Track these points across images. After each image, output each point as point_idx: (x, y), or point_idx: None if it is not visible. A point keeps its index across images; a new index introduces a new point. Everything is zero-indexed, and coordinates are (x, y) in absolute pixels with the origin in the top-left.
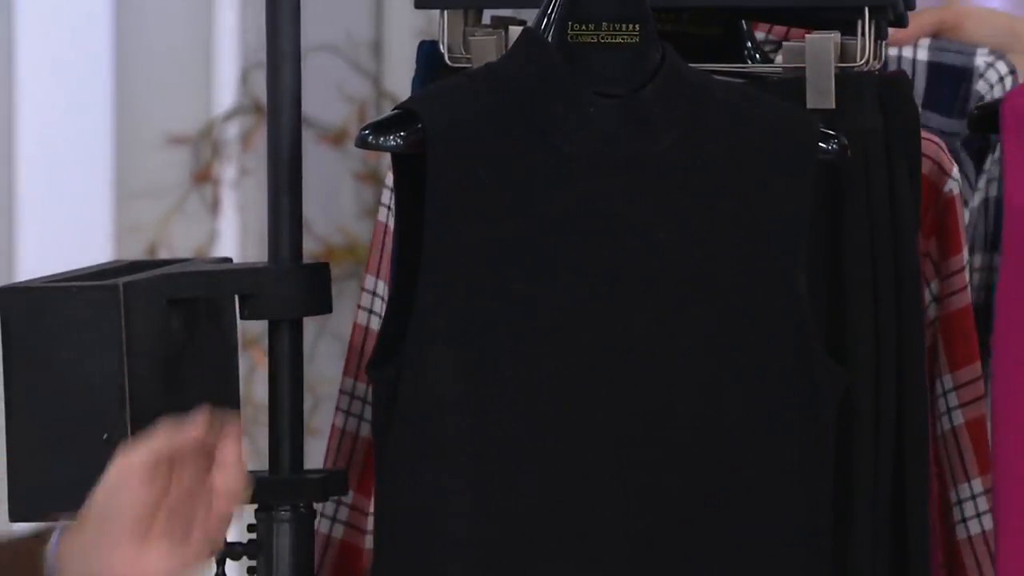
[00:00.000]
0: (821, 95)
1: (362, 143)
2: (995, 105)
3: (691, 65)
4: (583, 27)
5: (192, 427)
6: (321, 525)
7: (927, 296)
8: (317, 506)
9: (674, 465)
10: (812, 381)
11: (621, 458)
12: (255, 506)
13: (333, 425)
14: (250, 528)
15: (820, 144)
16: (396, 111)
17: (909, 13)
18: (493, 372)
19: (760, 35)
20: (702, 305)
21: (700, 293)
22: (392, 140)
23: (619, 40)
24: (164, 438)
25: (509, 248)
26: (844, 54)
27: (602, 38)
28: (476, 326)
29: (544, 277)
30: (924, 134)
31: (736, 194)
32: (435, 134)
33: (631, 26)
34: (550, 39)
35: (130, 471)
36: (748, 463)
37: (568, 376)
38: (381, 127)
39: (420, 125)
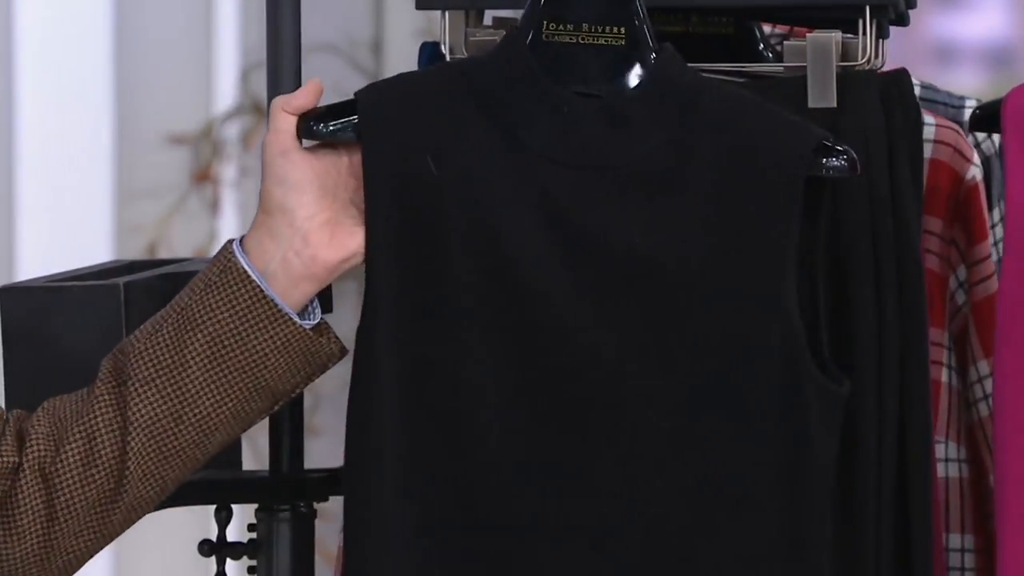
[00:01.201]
0: (822, 94)
1: (306, 132)
2: (996, 105)
3: (690, 64)
4: (560, 27)
5: (304, 94)
6: None
7: (954, 283)
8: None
9: (645, 485)
10: (800, 400)
11: (581, 467)
12: (255, 506)
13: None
14: (250, 528)
15: (823, 159)
16: (344, 100)
17: None
18: (442, 376)
19: (766, 29)
20: (676, 314)
21: (674, 300)
22: (328, 128)
23: (602, 41)
24: (281, 110)
25: (461, 239)
26: (845, 53)
27: (582, 39)
28: (423, 321)
29: (502, 265)
30: (942, 121)
31: (717, 204)
32: (370, 122)
33: (616, 28)
34: (527, 39)
35: (286, 153)
36: (728, 484)
37: (528, 382)
38: (322, 115)
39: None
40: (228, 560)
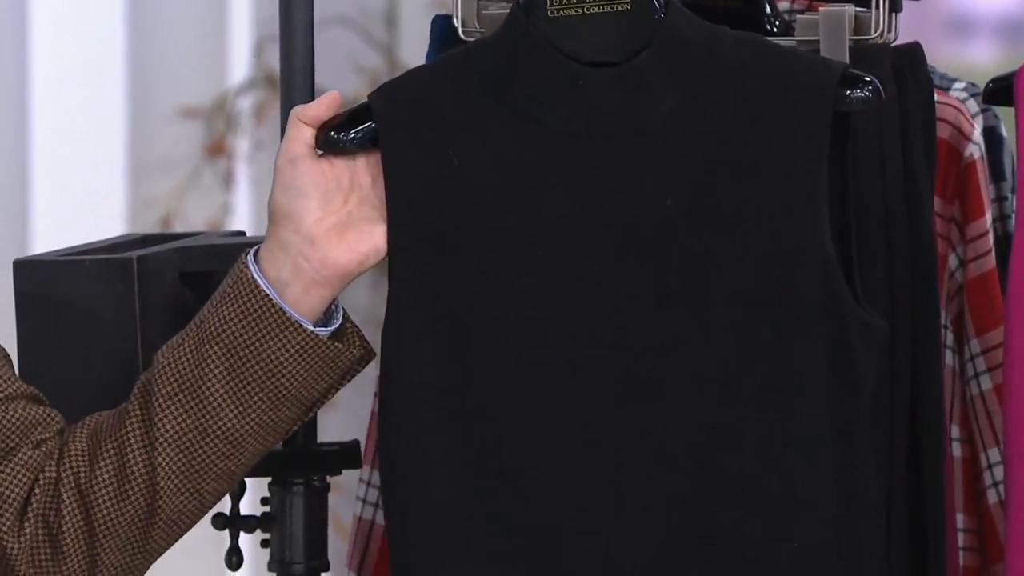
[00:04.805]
0: None
1: (327, 143)
2: (1009, 78)
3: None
4: (564, 0)
5: (318, 105)
6: (365, 511)
7: (954, 261)
8: (358, 493)
9: (689, 432)
10: (846, 336)
11: (623, 420)
12: (269, 479)
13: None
14: (264, 501)
15: (848, 91)
16: (359, 105)
17: None
18: (473, 357)
19: (785, 4)
20: (718, 266)
21: (714, 253)
22: (347, 137)
23: (607, 8)
24: (297, 119)
25: (489, 227)
26: (858, 26)
27: (587, 9)
28: (451, 310)
29: (533, 247)
30: (943, 98)
31: (746, 152)
32: (386, 126)
33: None
34: (530, 16)
35: (294, 161)
36: (783, 429)
37: (574, 361)
38: (340, 124)
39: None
40: (242, 533)
